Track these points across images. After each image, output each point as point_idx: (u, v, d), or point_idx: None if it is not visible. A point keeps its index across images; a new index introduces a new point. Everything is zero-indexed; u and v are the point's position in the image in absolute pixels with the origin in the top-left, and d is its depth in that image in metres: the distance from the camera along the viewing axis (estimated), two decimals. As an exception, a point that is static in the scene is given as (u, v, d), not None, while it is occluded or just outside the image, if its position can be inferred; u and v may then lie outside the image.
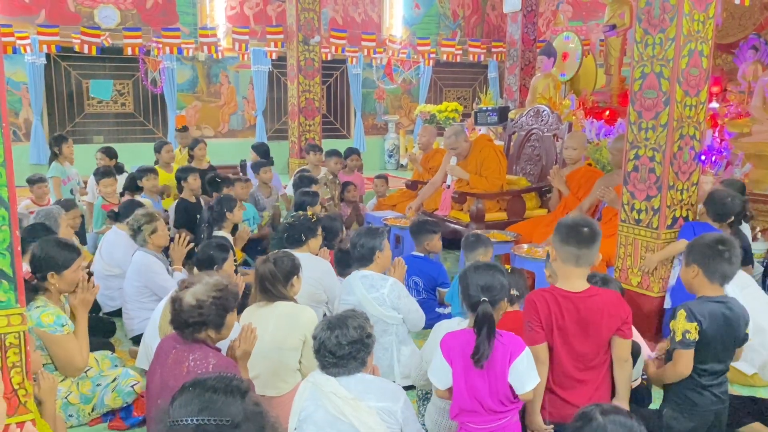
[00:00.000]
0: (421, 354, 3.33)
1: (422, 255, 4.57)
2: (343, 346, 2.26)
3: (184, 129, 8.05)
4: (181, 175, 5.78)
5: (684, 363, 2.62)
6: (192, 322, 2.42)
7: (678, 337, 2.60)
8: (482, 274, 2.52)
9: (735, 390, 3.58)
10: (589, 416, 1.73)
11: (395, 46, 12.37)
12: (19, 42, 9.32)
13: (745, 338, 2.71)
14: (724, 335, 2.63)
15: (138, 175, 5.87)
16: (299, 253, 3.58)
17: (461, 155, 6.02)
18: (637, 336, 3.06)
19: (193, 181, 5.67)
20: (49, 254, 2.96)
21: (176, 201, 5.76)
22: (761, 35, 6.84)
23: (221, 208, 4.75)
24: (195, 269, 3.61)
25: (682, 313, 2.61)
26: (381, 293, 3.39)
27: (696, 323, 2.58)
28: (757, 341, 3.46)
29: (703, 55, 3.84)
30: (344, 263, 4.21)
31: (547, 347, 2.55)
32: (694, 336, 2.58)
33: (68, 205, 4.82)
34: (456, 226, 5.82)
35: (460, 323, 2.93)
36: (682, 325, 2.59)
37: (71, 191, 6.18)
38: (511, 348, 2.39)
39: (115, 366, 3.45)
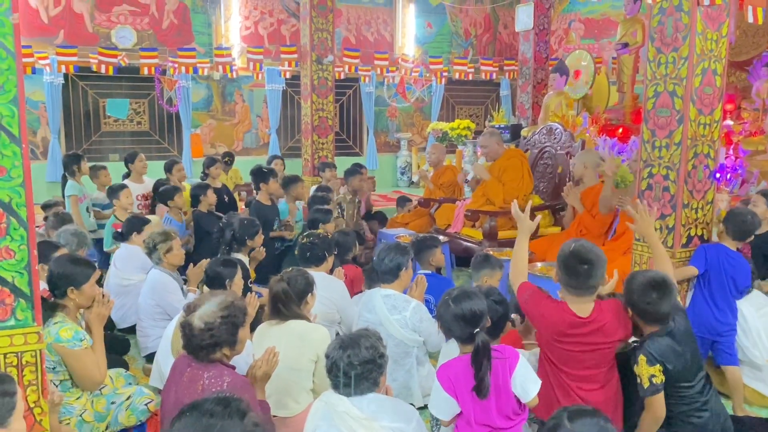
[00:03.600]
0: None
1: (431, 272, 4.55)
2: (355, 366, 2.27)
3: (229, 156, 8.30)
4: (198, 191, 5.88)
5: (658, 406, 2.59)
6: (205, 345, 2.42)
7: (646, 384, 2.57)
8: (464, 304, 2.49)
9: (753, 412, 3.53)
10: (557, 422, 1.74)
11: (408, 64, 12.46)
12: (40, 63, 9.50)
13: (696, 340, 2.75)
14: (686, 356, 2.62)
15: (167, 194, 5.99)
16: (314, 272, 3.58)
17: (490, 157, 6.06)
18: None
19: (211, 196, 5.79)
20: (66, 271, 3.00)
21: (193, 212, 5.85)
22: (775, 53, 6.82)
23: (243, 234, 4.69)
24: (205, 287, 3.63)
25: (642, 359, 2.58)
26: (403, 316, 3.38)
27: (658, 365, 2.56)
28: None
29: (717, 74, 3.83)
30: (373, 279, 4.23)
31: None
32: (660, 378, 2.56)
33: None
34: (469, 244, 5.81)
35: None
36: (647, 371, 2.57)
37: (87, 209, 6.25)
38: (509, 360, 2.39)
39: (130, 384, 3.46)
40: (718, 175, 4.13)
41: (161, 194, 5.97)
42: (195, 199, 5.86)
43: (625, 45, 7.82)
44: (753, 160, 5.62)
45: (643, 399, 2.64)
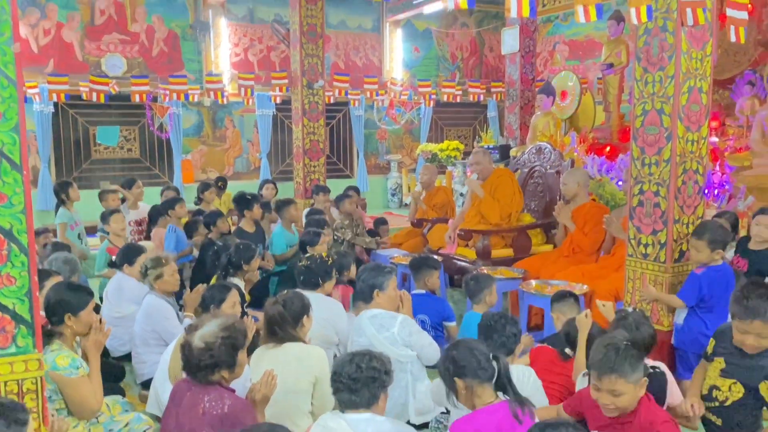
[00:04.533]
0: (430, 389, 3.34)
1: (424, 292, 4.57)
2: (362, 370, 2.32)
3: (222, 181, 8.35)
4: (205, 220, 5.97)
5: None
6: (204, 365, 2.43)
7: None
8: (462, 353, 2.43)
9: None
10: None
11: (396, 88, 12.60)
12: (29, 92, 9.51)
13: None
14: None
15: (169, 204, 6.09)
16: (311, 294, 3.59)
17: (482, 175, 6.11)
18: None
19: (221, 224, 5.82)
20: (64, 298, 3.00)
21: (203, 242, 5.86)
22: (757, 71, 6.97)
23: (239, 259, 4.67)
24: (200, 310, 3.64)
25: None
26: (391, 332, 3.39)
27: None
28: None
29: (703, 92, 3.92)
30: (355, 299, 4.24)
31: None
32: None
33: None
34: (463, 263, 5.83)
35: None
36: None
37: (78, 236, 6.24)
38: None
39: (127, 411, 3.42)
40: (706, 191, 4.20)
41: (163, 204, 6.05)
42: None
43: (610, 65, 7.97)
44: (739, 176, 5.72)
45: None
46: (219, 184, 8.11)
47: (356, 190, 7.39)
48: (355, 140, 12.74)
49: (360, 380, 2.30)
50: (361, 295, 3.59)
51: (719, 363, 2.61)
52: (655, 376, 2.66)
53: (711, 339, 2.77)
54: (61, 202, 6.26)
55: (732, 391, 2.54)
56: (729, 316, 3.51)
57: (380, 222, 7.50)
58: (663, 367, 3.02)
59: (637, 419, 2.34)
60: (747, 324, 2.43)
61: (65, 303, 2.98)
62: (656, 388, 2.60)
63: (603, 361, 2.32)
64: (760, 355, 2.50)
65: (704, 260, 3.70)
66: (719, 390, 2.58)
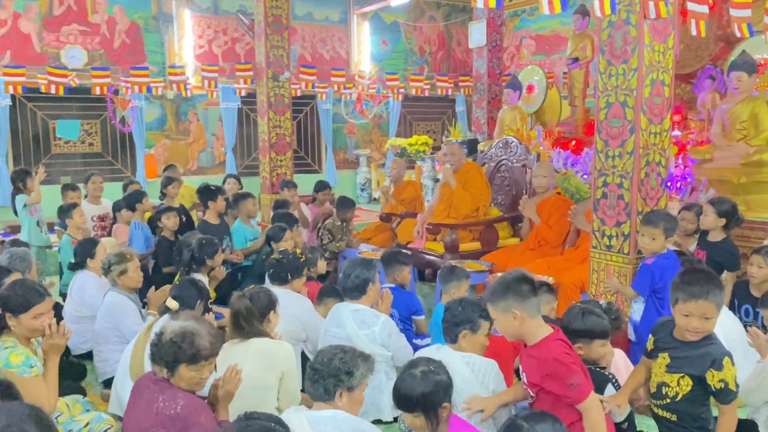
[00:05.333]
0: None
1: (394, 286, 4.54)
2: (325, 364, 2.37)
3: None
4: (157, 216, 5.79)
5: (736, 410, 2.55)
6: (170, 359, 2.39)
7: (733, 387, 2.48)
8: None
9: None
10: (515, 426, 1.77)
11: (364, 81, 12.54)
12: (-17, 84, 9.22)
13: None
14: None
15: (133, 199, 5.94)
16: (279, 290, 3.54)
17: (454, 167, 6.12)
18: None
19: (167, 221, 5.62)
20: (8, 294, 2.89)
21: (157, 239, 5.73)
22: (717, 65, 7.10)
23: (202, 254, 4.57)
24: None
25: (727, 361, 2.48)
26: (372, 331, 3.36)
27: (735, 366, 2.51)
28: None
29: (665, 84, 3.97)
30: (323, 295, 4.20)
31: None
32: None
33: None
34: (431, 257, 5.84)
35: (439, 349, 2.92)
36: (732, 373, 2.48)
37: (38, 223, 6.08)
38: None
39: (87, 411, 3.33)
40: (669, 184, 4.26)
41: (126, 199, 5.95)
42: (157, 224, 5.80)
43: (576, 60, 8.04)
44: (701, 169, 5.82)
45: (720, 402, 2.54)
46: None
47: (327, 186, 7.37)
48: (323, 134, 12.65)
49: (319, 372, 2.34)
50: (353, 291, 3.51)
51: (664, 359, 2.61)
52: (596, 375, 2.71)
53: (650, 335, 2.75)
54: (17, 191, 6.11)
55: (681, 386, 2.54)
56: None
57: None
58: (618, 355, 3.07)
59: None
60: (692, 305, 2.44)
61: (7, 300, 2.87)
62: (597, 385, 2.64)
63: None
64: (704, 342, 2.52)
65: (657, 249, 3.75)
66: (668, 386, 2.57)
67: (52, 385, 2.87)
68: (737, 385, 2.50)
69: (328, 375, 2.33)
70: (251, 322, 3.09)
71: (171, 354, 2.39)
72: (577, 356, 2.57)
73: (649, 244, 3.77)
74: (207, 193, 5.88)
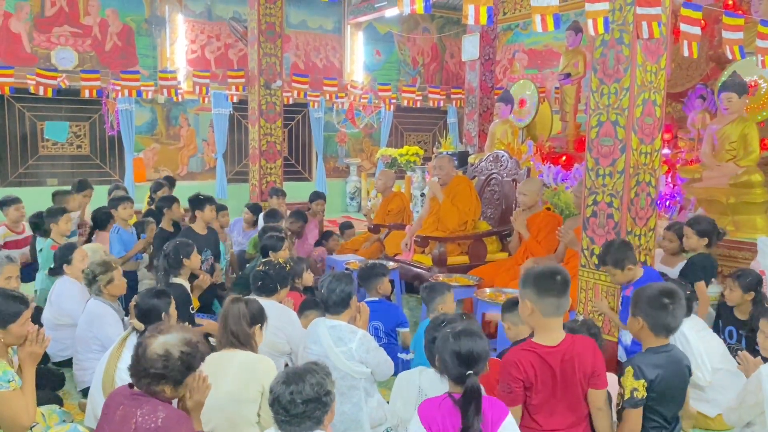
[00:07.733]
0: (386, 408, 3.27)
1: (378, 299, 4.49)
2: (298, 405, 2.11)
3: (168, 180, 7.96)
4: (163, 204, 5.75)
5: (634, 421, 2.60)
6: (152, 373, 2.30)
7: (627, 395, 2.59)
8: (464, 342, 2.31)
9: (697, 434, 3.59)
10: None
11: (357, 91, 12.54)
12: (-29, 83, 9.11)
13: (688, 381, 2.77)
14: (673, 383, 2.65)
15: (112, 204, 5.84)
16: (265, 302, 3.48)
17: (442, 181, 6.09)
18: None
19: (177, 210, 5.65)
20: None
21: (155, 232, 5.66)
22: (708, 85, 7.14)
23: (177, 255, 4.40)
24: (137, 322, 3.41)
25: (629, 371, 2.59)
26: (349, 347, 3.28)
27: (643, 380, 2.57)
28: (716, 383, 3.51)
29: (656, 105, 3.97)
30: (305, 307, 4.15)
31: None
32: (642, 394, 2.57)
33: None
34: (419, 270, 5.80)
35: (421, 373, 2.87)
36: (630, 383, 2.58)
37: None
38: (492, 416, 2.24)
39: (63, 421, 3.25)
40: (657, 202, 4.26)
41: (110, 202, 5.88)
42: (161, 212, 5.78)
43: (568, 75, 8.07)
44: (690, 188, 5.83)
45: (620, 412, 2.64)
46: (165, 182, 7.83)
47: (322, 197, 7.33)
48: (314, 143, 12.63)
49: (298, 415, 2.12)
50: (337, 306, 3.44)
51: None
52: None
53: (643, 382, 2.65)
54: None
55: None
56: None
57: (345, 226, 7.42)
58: (611, 379, 3.04)
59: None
60: None
61: None
62: None
63: None
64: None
65: (626, 280, 3.81)
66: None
67: (30, 398, 2.80)
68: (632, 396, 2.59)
69: (310, 405, 2.14)
70: (241, 325, 3.04)
71: (179, 373, 2.35)
72: (525, 373, 2.51)
73: (614, 279, 3.88)
74: (195, 202, 5.76)
